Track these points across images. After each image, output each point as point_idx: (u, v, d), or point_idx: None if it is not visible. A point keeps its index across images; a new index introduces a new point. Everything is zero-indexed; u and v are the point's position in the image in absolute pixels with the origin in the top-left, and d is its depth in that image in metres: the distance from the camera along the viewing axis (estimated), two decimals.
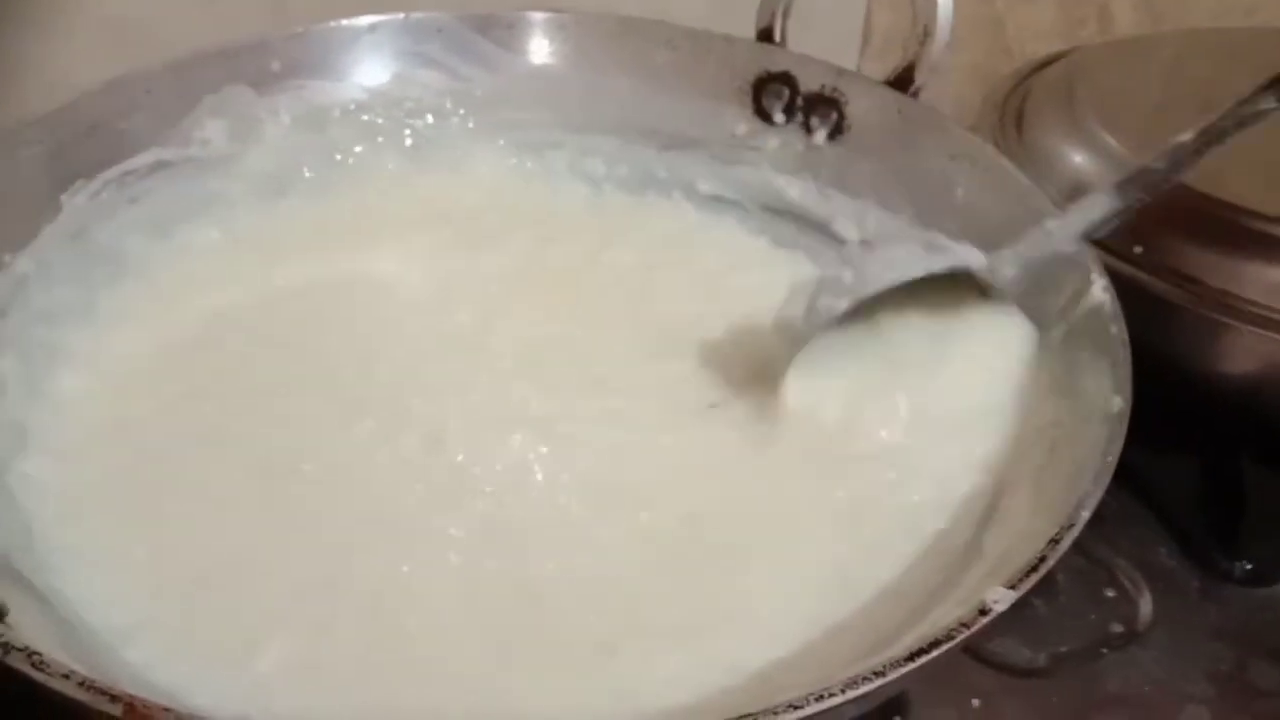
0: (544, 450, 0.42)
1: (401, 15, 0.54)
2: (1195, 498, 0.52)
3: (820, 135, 0.53)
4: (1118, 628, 0.48)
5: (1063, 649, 0.47)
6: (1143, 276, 0.49)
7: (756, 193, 0.55)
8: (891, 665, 0.27)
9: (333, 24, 0.53)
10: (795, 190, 0.55)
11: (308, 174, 0.54)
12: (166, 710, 0.25)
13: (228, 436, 0.42)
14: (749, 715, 0.26)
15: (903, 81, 0.51)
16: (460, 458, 0.41)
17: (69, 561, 0.36)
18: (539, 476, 0.41)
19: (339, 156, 0.54)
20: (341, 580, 0.37)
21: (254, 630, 0.35)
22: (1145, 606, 0.49)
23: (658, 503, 0.40)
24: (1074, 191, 0.52)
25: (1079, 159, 0.54)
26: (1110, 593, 0.49)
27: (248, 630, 0.35)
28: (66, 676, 0.26)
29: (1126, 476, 0.35)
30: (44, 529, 0.37)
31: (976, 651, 0.46)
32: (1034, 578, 0.30)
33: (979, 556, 0.37)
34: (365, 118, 0.54)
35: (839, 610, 0.36)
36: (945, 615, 0.32)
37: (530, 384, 0.44)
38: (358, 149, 0.55)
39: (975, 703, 0.45)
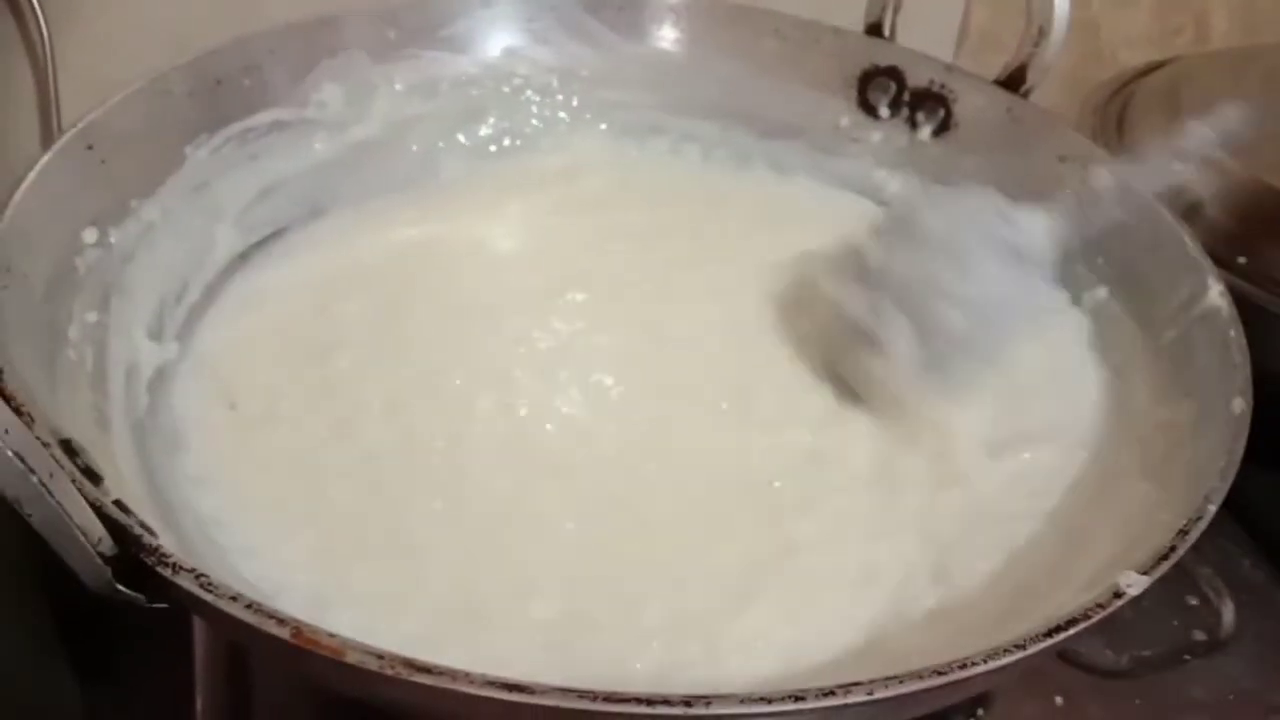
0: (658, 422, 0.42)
1: None
2: None
3: (925, 131, 0.54)
4: (1200, 635, 0.48)
5: (1145, 653, 0.47)
6: (1246, 286, 0.49)
7: (856, 185, 0.56)
8: (1031, 640, 0.28)
9: None
10: (896, 185, 0.55)
11: (414, 145, 0.54)
12: (332, 636, 0.25)
13: (353, 393, 0.43)
14: (894, 678, 0.26)
15: (1013, 81, 0.51)
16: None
17: (217, 515, 0.37)
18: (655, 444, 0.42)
19: (447, 127, 0.55)
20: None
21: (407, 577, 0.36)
22: (1228, 615, 0.49)
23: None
24: (1174, 199, 0.53)
25: (1180, 165, 0.54)
26: (1193, 600, 0.50)
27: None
28: (234, 598, 0.26)
29: None
30: (183, 475, 0.38)
31: (1062, 650, 0.46)
32: (1165, 565, 0.31)
33: (1092, 547, 0.37)
34: (474, 91, 0.55)
35: (954, 593, 0.37)
36: (1071, 599, 0.32)
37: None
38: (465, 121, 0.55)
39: (1058, 700, 0.45)
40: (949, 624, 0.36)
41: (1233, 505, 0.51)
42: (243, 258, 0.48)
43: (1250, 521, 0.52)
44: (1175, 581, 0.50)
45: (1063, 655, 0.46)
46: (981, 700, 0.44)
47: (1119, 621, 0.46)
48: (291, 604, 0.29)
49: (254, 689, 0.42)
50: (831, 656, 0.35)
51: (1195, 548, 0.49)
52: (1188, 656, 0.47)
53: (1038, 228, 0.42)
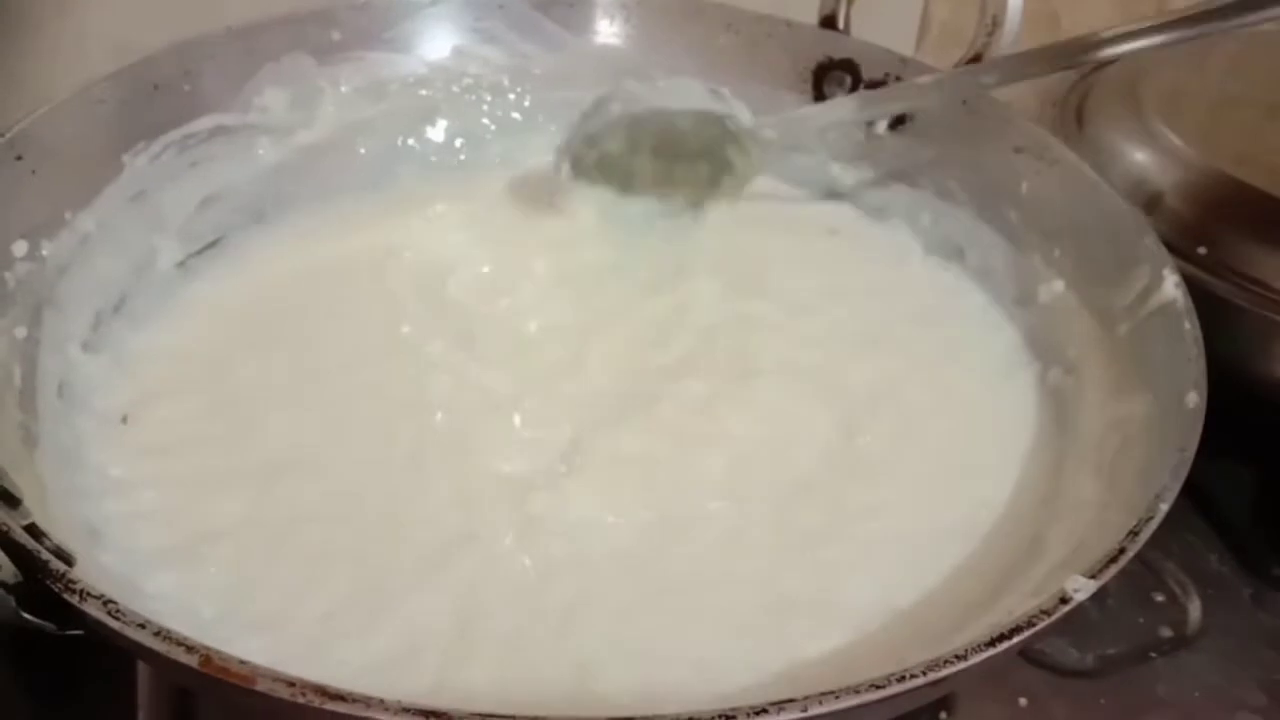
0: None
1: None
2: (1251, 505, 0.51)
3: (881, 125, 0.53)
4: (1167, 632, 0.47)
5: (1111, 651, 0.47)
6: (1205, 278, 0.48)
7: (812, 180, 0.55)
8: (974, 649, 0.27)
9: None
10: (852, 179, 0.54)
11: (361, 147, 0.53)
12: (242, 663, 0.25)
13: (292, 396, 0.42)
14: (831, 693, 0.25)
15: None
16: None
17: (137, 521, 0.36)
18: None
19: (394, 129, 0.54)
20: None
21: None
22: (1194, 612, 0.48)
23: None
24: (1134, 190, 0.52)
25: (1141, 156, 0.54)
26: (1159, 597, 0.49)
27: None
28: (142, 626, 0.25)
29: None
30: (109, 485, 0.37)
31: (1025, 650, 0.45)
32: (1114, 568, 0.30)
33: (1043, 550, 0.36)
34: (423, 92, 0.54)
35: (906, 597, 0.36)
36: (1019, 604, 0.31)
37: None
38: (413, 123, 0.54)
39: (1022, 701, 0.44)
40: (902, 630, 0.35)
41: (1197, 499, 0.51)
42: (182, 266, 0.47)
43: (1214, 515, 0.51)
44: (1141, 578, 0.50)
45: (1026, 655, 0.45)
46: (944, 703, 0.43)
47: (1084, 620, 0.46)
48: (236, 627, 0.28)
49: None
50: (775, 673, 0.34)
51: (1160, 543, 0.48)
52: (1154, 654, 0.47)
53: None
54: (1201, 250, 0.49)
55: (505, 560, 0.37)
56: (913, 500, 0.40)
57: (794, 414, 0.42)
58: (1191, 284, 0.41)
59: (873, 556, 0.38)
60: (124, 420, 0.41)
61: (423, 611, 0.35)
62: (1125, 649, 0.46)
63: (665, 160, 0.51)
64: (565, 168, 0.50)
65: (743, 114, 0.50)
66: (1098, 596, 0.47)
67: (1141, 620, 0.48)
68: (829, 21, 0.54)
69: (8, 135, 0.41)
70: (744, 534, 0.38)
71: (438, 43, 0.54)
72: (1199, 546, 0.51)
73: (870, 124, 0.53)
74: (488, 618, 0.35)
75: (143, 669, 0.42)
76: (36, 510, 0.31)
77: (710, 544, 0.38)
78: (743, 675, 0.33)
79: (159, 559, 0.35)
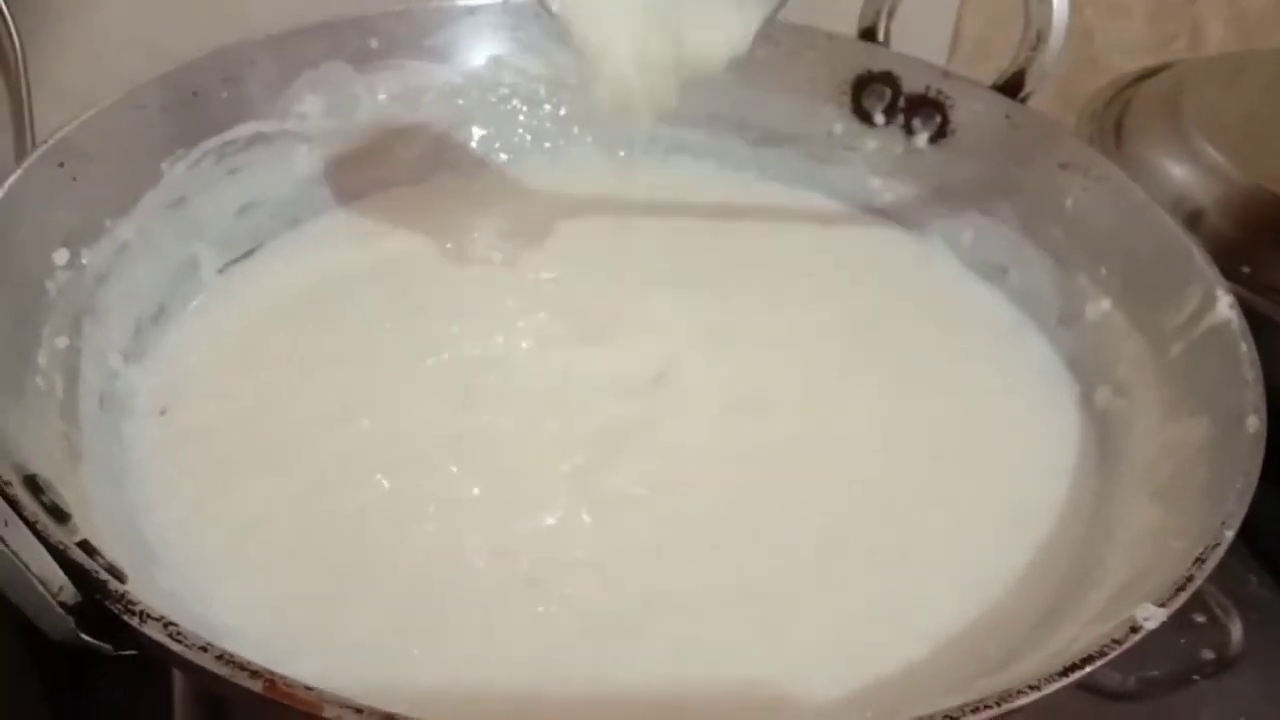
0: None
1: None
2: None
3: (922, 138, 0.53)
4: (1208, 654, 0.47)
5: (1153, 674, 0.46)
6: (1250, 296, 0.48)
7: (850, 194, 0.54)
8: (1047, 679, 0.27)
9: (434, 4, 0.52)
10: (890, 194, 0.54)
11: (398, 155, 0.53)
12: (309, 689, 0.24)
13: (326, 403, 0.41)
14: None
15: (1011, 87, 0.50)
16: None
17: (179, 530, 0.36)
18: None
19: (431, 137, 0.53)
20: None
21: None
22: (1236, 634, 0.48)
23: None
24: (1175, 207, 0.52)
25: (1180, 172, 0.53)
26: (1200, 619, 0.48)
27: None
28: (205, 649, 0.25)
29: None
30: (152, 494, 0.37)
31: None
32: (1183, 596, 0.30)
33: (1100, 576, 0.36)
34: (459, 101, 0.54)
35: (957, 623, 0.35)
36: (1083, 633, 0.31)
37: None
38: (449, 131, 0.54)
39: None
40: (957, 658, 0.35)
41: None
42: (221, 272, 0.47)
43: (1255, 538, 0.50)
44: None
45: None
46: None
47: None
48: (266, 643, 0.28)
49: None
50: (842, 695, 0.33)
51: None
52: (1196, 677, 0.46)
53: None
54: (1245, 269, 0.49)
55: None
56: (959, 525, 0.39)
57: (832, 441, 0.42)
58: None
59: (923, 582, 0.37)
60: (161, 413, 0.40)
61: (490, 631, 0.34)
62: (1168, 671, 0.46)
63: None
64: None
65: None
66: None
67: (1183, 642, 0.47)
68: (868, 34, 0.54)
69: (49, 142, 0.40)
70: (787, 564, 0.38)
71: (475, 51, 0.53)
72: (1238, 569, 0.50)
73: (910, 136, 0.53)
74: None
75: (178, 679, 0.41)
76: (84, 525, 0.30)
77: (752, 573, 0.37)
78: (789, 700, 0.33)
79: (209, 570, 0.34)
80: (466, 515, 0.38)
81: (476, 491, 0.39)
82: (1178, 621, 0.47)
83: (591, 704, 0.32)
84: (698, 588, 0.36)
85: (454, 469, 0.39)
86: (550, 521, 0.38)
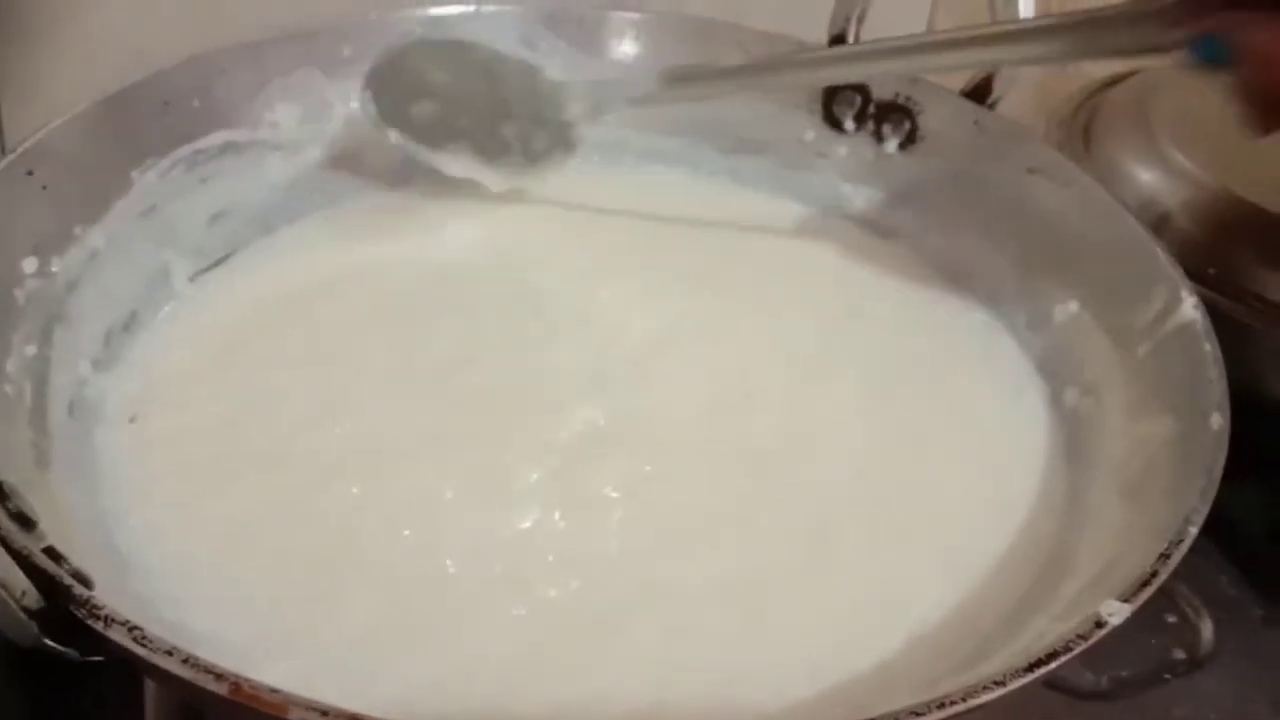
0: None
1: (472, 8, 0.53)
2: (1262, 527, 0.51)
3: (892, 144, 0.53)
4: (1179, 654, 0.47)
5: (1124, 673, 0.46)
6: (1216, 298, 0.48)
7: (822, 200, 0.55)
8: (1012, 675, 0.27)
9: (406, 13, 0.52)
10: (862, 199, 0.54)
11: (371, 165, 0.53)
12: (274, 691, 0.24)
13: (301, 408, 0.41)
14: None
15: (979, 92, 0.51)
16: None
17: (153, 535, 0.35)
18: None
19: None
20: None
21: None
22: (1207, 633, 0.48)
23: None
24: (1142, 210, 0.52)
25: (1149, 177, 0.54)
26: (1171, 618, 0.48)
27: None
28: (170, 653, 0.25)
29: None
30: (125, 500, 0.37)
31: None
32: (1147, 591, 0.30)
33: (1069, 571, 0.36)
34: None
35: (927, 619, 0.36)
36: (1049, 628, 0.31)
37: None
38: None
39: None
40: (921, 653, 0.35)
41: (1208, 520, 0.51)
42: (193, 280, 0.46)
43: (1225, 536, 0.51)
44: (1152, 599, 0.49)
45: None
46: None
47: (1098, 642, 0.46)
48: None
49: None
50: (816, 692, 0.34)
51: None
52: (1168, 675, 0.46)
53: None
54: (1211, 271, 0.49)
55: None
56: (930, 523, 0.39)
57: (803, 443, 0.42)
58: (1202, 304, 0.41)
59: (890, 581, 0.37)
60: (131, 420, 0.40)
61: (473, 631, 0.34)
62: (1139, 671, 0.46)
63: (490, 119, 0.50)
64: (370, 108, 0.49)
65: (554, 68, 0.49)
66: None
67: (1154, 641, 0.47)
68: (839, 41, 0.54)
69: (19, 150, 0.40)
70: (767, 561, 0.38)
71: None
72: (1209, 568, 0.51)
73: (880, 142, 0.53)
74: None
75: (150, 688, 0.41)
76: (52, 532, 0.30)
77: (724, 575, 0.37)
78: (765, 698, 0.33)
79: (183, 576, 0.34)
80: (446, 516, 0.38)
81: (455, 493, 0.39)
82: (1149, 621, 0.47)
83: (574, 703, 0.32)
84: (678, 585, 0.36)
85: (432, 470, 0.39)
86: (530, 521, 0.38)
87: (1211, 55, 0.31)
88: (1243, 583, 0.50)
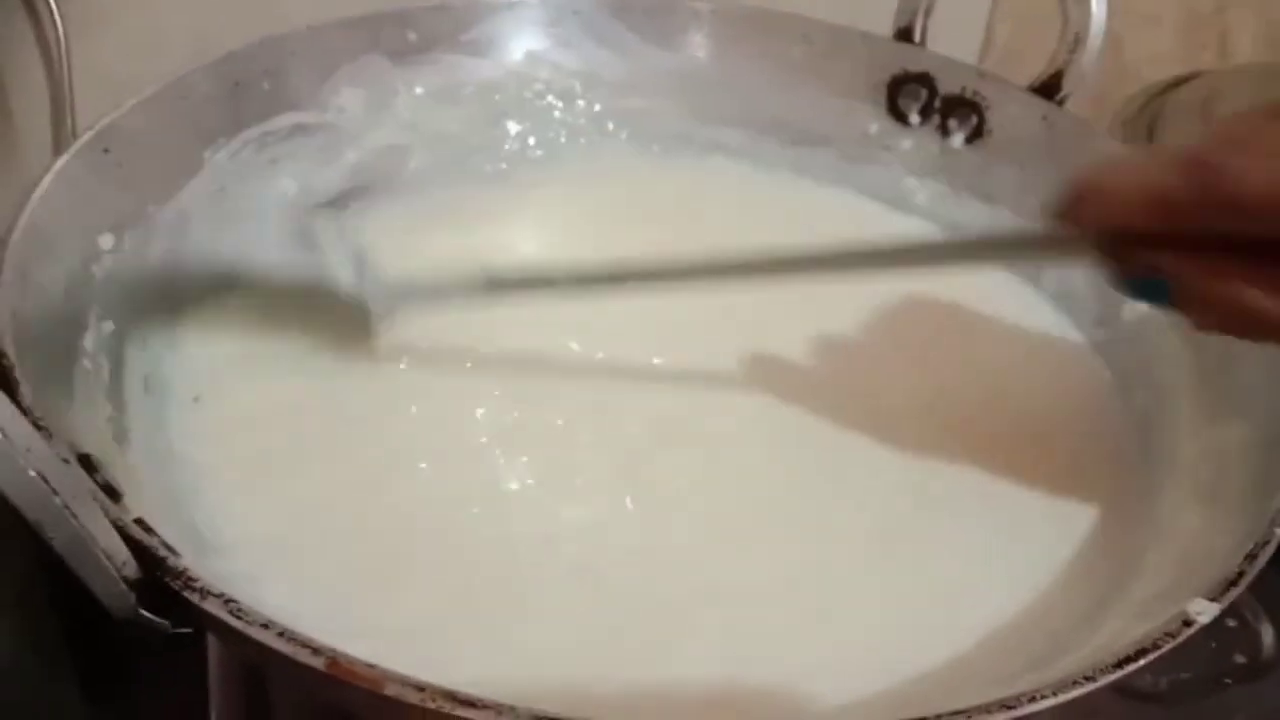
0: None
1: None
2: None
3: (957, 139, 0.53)
4: (1240, 659, 0.47)
5: (1184, 676, 0.46)
6: None
7: (885, 194, 0.54)
8: (1101, 671, 0.26)
9: None
10: (925, 194, 0.54)
11: (436, 151, 0.53)
12: (370, 667, 0.24)
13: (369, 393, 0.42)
14: (962, 712, 0.25)
15: (1048, 89, 0.50)
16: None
17: (226, 515, 0.36)
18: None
19: (467, 132, 0.53)
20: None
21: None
22: (1267, 638, 0.48)
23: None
24: None
25: None
26: (1231, 622, 0.48)
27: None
28: (266, 626, 0.25)
29: None
30: (197, 478, 0.37)
31: None
32: (1235, 591, 0.30)
33: (1141, 575, 0.36)
34: (496, 96, 0.54)
35: (998, 618, 0.35)
36: (1128, 628, 0.31)
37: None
38: (484, 126, 0.54)
39: None
40: (993, 651, 0.35)
41: None
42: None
43: None
44: None
45: None
46: None
47: None
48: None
49: (271, 711, 0.40)
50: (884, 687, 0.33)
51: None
52: (1228, 680, 0.46)
53: None
54: None
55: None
56: (999, 525, 0.39)
57: (873, 433, 0.42)
58: None
59: (969, 575, 0.37)
60: (196, 399, 0.40)
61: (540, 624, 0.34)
62: (1199, 674, 0.46)
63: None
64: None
65: (343, 275, 0.44)
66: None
67: (1214, 645, 0.47)
68: (905, 34, 0.54)
69: (96, 128, 0.41)
70: (834, 555, 0.38)
71: (512, 47, 0.54)
72: (1268, 574, 0.50)
73: (946, 136, 0.53)
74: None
75: (214, 660, 0.42)
76: (135, 505, 0.31)
77: (799, 564, 0.37)
78: (841, 694, 0.33)
79: (256, 555, 0.35)
80: (514, 504, 0.38)
81: (526, 481, 0.39)
82: (1209, 625, 0.47)
83: (642, 691, 0.32)
84: (746, 579, 0.36)
85: (502, 460, 0.39)
86: (598, 511, 0.38)
87: (1151, 296, 0.30)
88: None
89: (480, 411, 0.42)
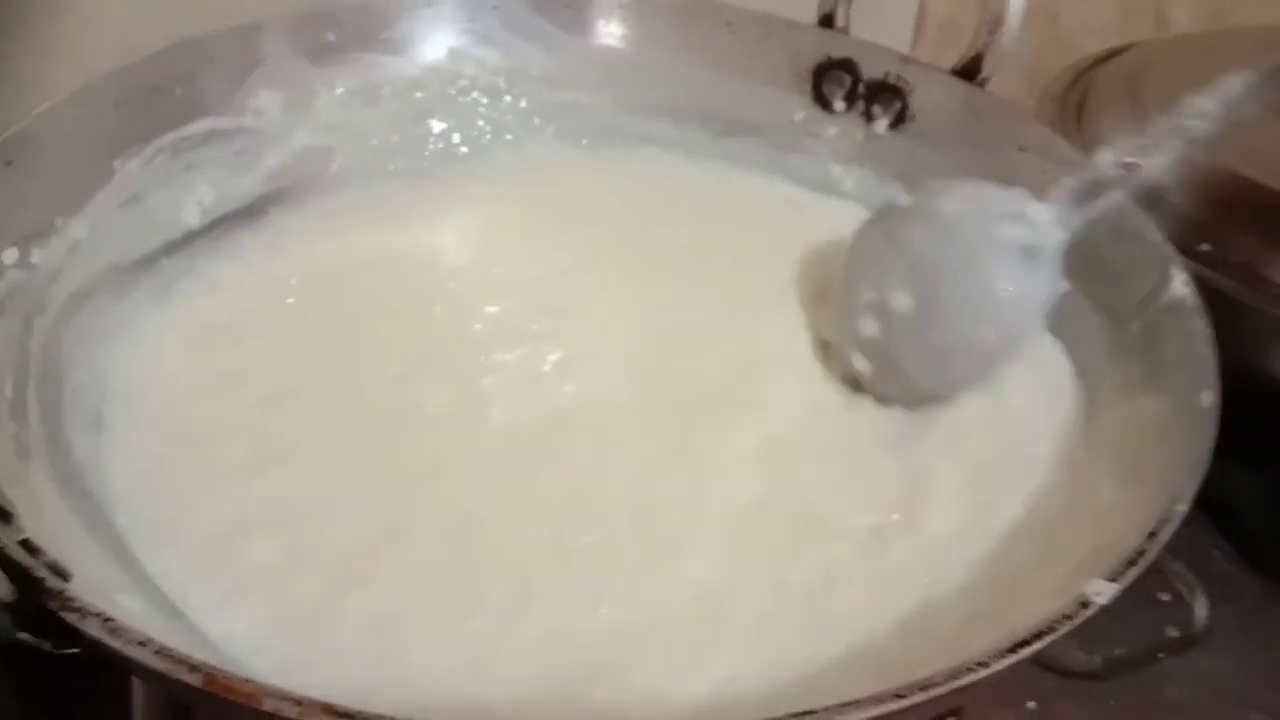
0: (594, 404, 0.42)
1: None
2: (1258, 504, 0.51)
3: (882, 124, 0.53)
4: (1174, 632, 0.47)
5: (1119, 652, 0.46)
6: (1209, 274, 0.48)
7: (814, 181, 0.54)
8: (995, 656, 0.26)
9: None
10: (852, 180, 0.54)
11: (356, 149, 0.52)
12: (247, 682, 0.24)
13: (285, 398, 0.41)
14: (853, 703, 0.25)
15: (969, 71, 0.50)
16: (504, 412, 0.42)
17: (145, 531, 0.35)
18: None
19: (390, 131, 0.53)
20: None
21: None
22: (1201, 611, 0.48)
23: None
24: (1135, 187, 0.52)
25: (1139, 156, 0.53)
26: (1165, 596, 0.48)
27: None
28: (142, 644, 0.25)
29: None
30: (113, 494, 0.37)
31: None
32: (1134, 571, 0.30)
33: (1059, 552, 0.36)
34: (418, 94, 0.53)
35: (915, 601, 0.36)
36: (1037, 608, 0.31)
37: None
38: (407, 125, 0.54)
39: (1031, 705, 0.44)
40: (916, 635, 0.35)
41: (1201, 497, 0.50)
42: (173, 266, 0.46)
43: (1219, 513, 0.51)
44: (1146, 577, 0.49)
45: (1033, 658, 0.45)
46: (951, 709, 0.43)
47: (1090, 621, 0.46)
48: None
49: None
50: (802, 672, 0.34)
51: (1165, 542, 0.49)
52: (1162, 654, 0.46)
53: (1050, 223, 0.40)
54: (1205, 247, 0.49)
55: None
56: (928, 508, 0.39)
57: (803, 418, 0.42)
58: (1195, 281, 0.41)
59: (885, 560, 0.37)
60: (98, 418, 0.40)
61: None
62: (1133, 650, 0.46)
63: None
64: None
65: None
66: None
67: (1149, 620, 0.47)
68: (827, 20, 0.54)
69: None
70: (748, 534, 0.38)
71: (433, 44, 0.53)
72: (1204, 545, 0.50)
73: (870, 122, 0.53)
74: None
75: (137, 684, 0.41)
76: (32, 525, 0.30)
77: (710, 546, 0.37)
78: (753, 684, 0.33)
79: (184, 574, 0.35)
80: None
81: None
82: (1143, 599, 0.47)
83: None
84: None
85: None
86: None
87: None
88: (1238, 560, 0.50)
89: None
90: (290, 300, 0.46)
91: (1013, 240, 0.40)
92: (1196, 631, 0.47)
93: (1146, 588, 0.47)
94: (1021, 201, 0.40)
